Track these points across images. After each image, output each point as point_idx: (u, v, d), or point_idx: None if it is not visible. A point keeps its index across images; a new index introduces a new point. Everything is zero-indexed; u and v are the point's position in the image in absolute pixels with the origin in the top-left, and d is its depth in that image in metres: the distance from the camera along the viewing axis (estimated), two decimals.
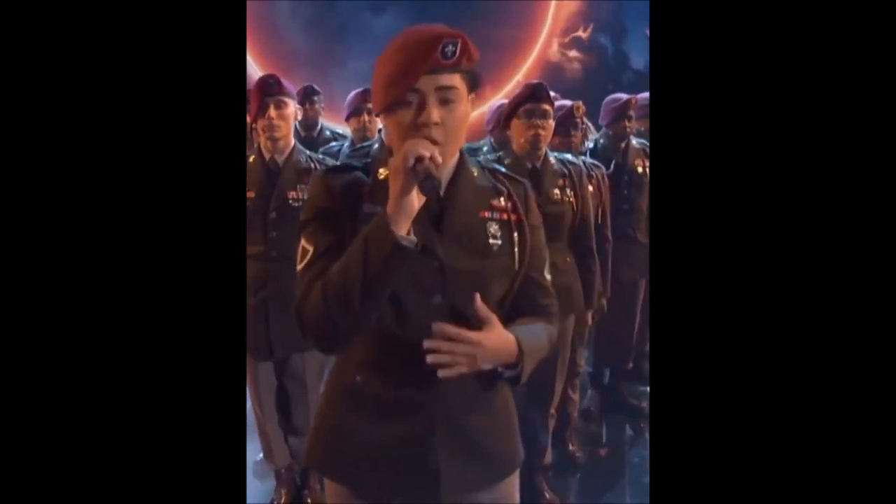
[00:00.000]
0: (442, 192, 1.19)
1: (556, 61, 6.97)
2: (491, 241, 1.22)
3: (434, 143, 1.10)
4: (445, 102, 1.12)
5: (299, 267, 1.19)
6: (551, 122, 2.38)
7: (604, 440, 3.28)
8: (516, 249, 1.23)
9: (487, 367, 1.14)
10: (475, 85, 1.18)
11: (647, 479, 2.84)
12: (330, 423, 1.29)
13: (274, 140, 2.33)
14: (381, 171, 1.20)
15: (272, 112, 2.29)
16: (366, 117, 3.27)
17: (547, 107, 2.34)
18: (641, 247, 3.25)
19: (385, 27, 6.11)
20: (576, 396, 2.98)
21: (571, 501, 2.79)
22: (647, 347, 3.78)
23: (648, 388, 3.61)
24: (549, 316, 1.30)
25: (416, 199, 1.08)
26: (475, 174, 1.24)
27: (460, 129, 1.16)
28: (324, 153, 2.88)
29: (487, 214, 1.23)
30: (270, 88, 2.29)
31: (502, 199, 1.25)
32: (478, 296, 1.14)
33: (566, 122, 2.79)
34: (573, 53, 7.02)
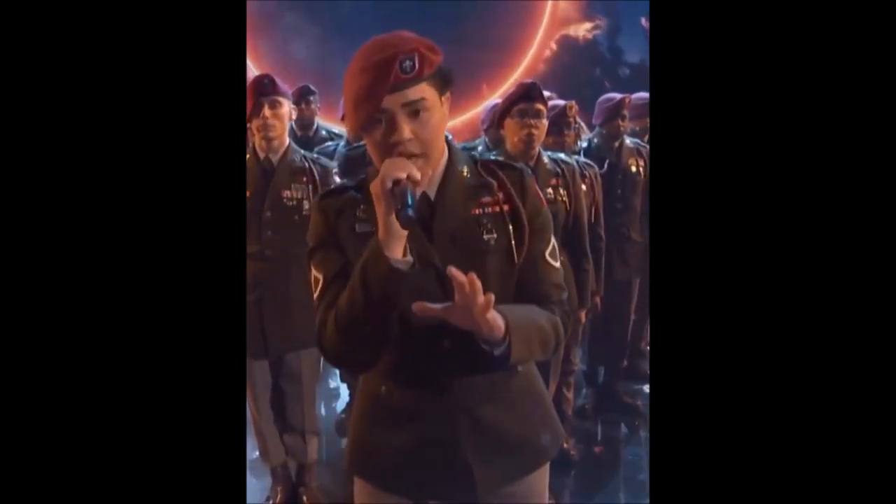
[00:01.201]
0: (433, 197, 1.20)
1: (552, 59, 6.98)
2: (486, 236, 1.21)
3: (413, 155, 1.11)
4: (415, 115, 1.12)
5: (315, 296, 1.22)
6: (545, 122, 2.39)
7: (599, 438, 3.29)
8: (513, 242, 1.23)
9: (463, 323, 1.08)
10: (446, 84, 1.17)
11: (642, 477, 2.85)
12: (362, 433, 1.34)
13: (269, 140, 2.34)
14: (372, 188, 1.19)
15: (267, 112, 2.30)
16: None
17: (540, 106, 2.36)
18: (635, 245, 3.28)
19: (382, 27, 6.11)
20: (570, 395, 3.00)
21: (566, 498, 2.80)
22: (642, 345, 3.80)
23: (643, 387, 3.63)
24: (551, 304, 1.26)
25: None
26: (465, 173, 1.24)
27: (437, 137, 1.16)
28: (319, 152, 2.89)
29: (479, 211, 1.23)
30: (265, 88, 2.30)
31: (493, 192, 1.24)
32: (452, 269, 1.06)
33: (559, 121, 2.81)
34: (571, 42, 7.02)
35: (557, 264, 1.28)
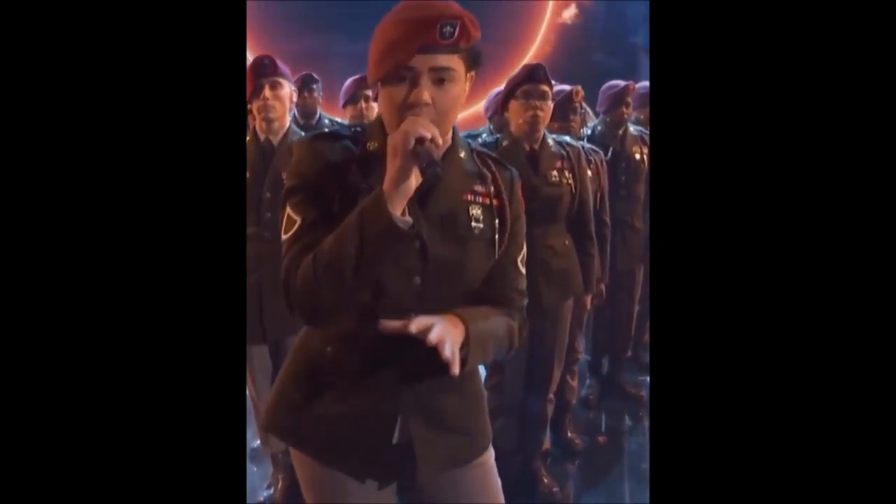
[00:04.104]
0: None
1: (555, 51, 6.95)
2: (473, 224, 1.20)
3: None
4: (440, 83, 1.10)
5: (285, 237, 1.17)
6: (550, 104, 2.36)
7: (602, 428, 3.27)
8: (497, 236, 1.22)
9: (439, 343, 1.08)
10: (475, 63, 1.16)
11: (644, 466, 2.84)
12: (294, 392, 1.28)
13: (269, 121, 2.31)
14: (370, 143, 1.18)
15: (267, 93, 2.28)
16: (363, 104, 3.26)
17: (545, 88, 2.33)
18: (638, 234, 3.25)
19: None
20: (574, 383, 2.97)
21: (570, 487, 2.78)
22: (646, 337, 3.78)
23: (646, 377, 3.60)
24: (512, 310, 1.27)
25: (414, 180, 1.06)
26: (463, 157, 1.23)
27: (453, 110, 1.15)
28: None
29: (470, 198, 1.22)
30: (265, 69, 2.28)
31: (486, 184, 1.23)
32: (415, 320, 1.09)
33: (565, 106, 2.78)
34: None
35: (524, 270, 1.30)
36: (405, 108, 1.10)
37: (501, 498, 1.35)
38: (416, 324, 1.07)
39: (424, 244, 1.16)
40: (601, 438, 3.16)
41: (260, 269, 2.30)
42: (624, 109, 3.20)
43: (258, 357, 2.44)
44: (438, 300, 1.17)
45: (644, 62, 6.22)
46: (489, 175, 1.24)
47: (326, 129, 1.25)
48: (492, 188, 1.23)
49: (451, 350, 1.08)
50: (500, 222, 1.23)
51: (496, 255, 1.23)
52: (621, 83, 3.24)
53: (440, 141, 1.06)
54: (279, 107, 2.31)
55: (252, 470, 2.81)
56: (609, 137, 3.21)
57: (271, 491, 2.58)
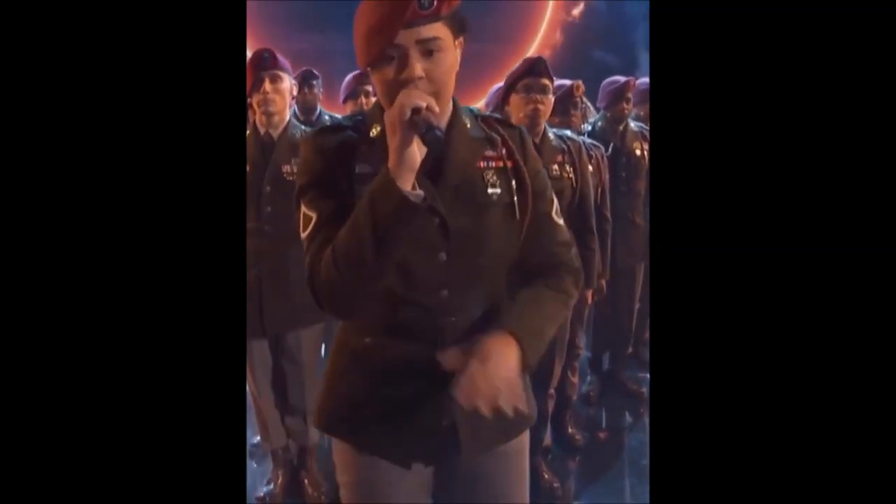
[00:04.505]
0: None
1: (558, 47, 6.92)
2: (489, 190, 1.19)
3: None
4: (429, 54, 1.09)
5: (304, 235, 1.17)
6: (551, 98, 2.35)
7: (603, 425, 3.27)
8: (515, 198, 1.20)
9: (506, 398, 1.09)
10: (461, 28, 1.14)
11: (645, 462, 2.83)
12: (339, 387, 1.28)
13: (269, 114, 2.30)
14: (373, 129, 1.18)
15: (267, 86, 2.26)
16: (363, 100, 3.25)
17: (546, 82, 2.31)
18: (639, 230, 3.24)
19: None
20: (575, 379, 2.96)
21: (571, 483, 2.77)
22: (646, 333, 3.77)
23: (647, 374, 3.59)
24: (559, 268, 1.25)
25: (418, 152, 1.05)
26: (468, 125, 1.22)
27: (449, 79, 1.13)
28: None
29: (483, 164, 1.20)
30: (265, 62, 2.26)
31: (497, 147, 1.22)
32: (448, 352, 1.12)
33: (565, 101, 2.77)
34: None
35: (562, 222, 1.27)
36: (399, 86, 1.08)
37: (527, 479, 1.37)
38: (472, 364, 1.08)
39: (443, 218, 1.15)
40: (602, 435, 3.15)
41: (260, 263, 2.30)
42: (624, 105, 3.19)
43: (258, 352, 2.43)
44: (467, 274, 1.17)
45: (644, 59, 6.21)
46: (498, 138, 1.22)
47: (328, 124, 1.25)
48: (503, 150, 1.22)
49: (509, 407, 1.09)
50: (517, 183, 1.21)
51: (518, 216, 1.20)
52: (622, 79, 3.23)
53: (436, 108, 1.05)
54: (279, 100, 2.29)
55: (252, 466, 2.81)
56: (609, 133, 3.20)
57: (271, 487, 2.57)
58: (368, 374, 1.23)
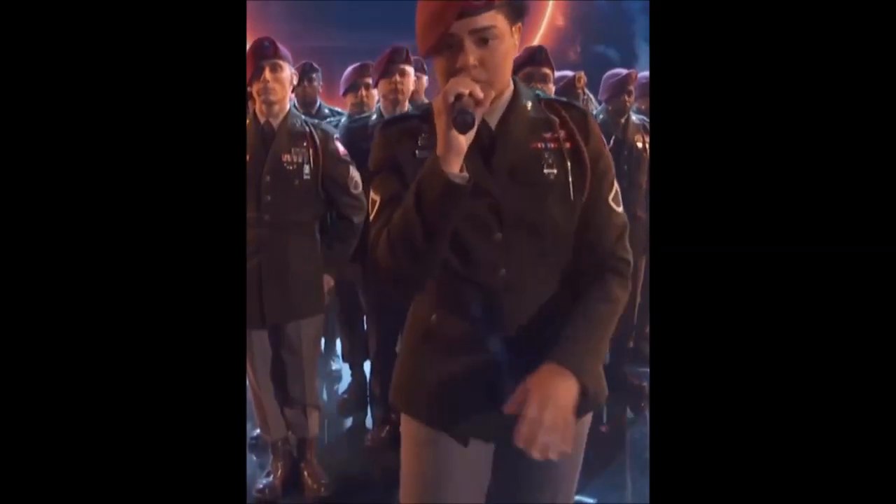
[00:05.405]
0: (494, 127, 1.20)
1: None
2: (546, 170, 1.20)
3: (477, 82, 1.10)
4: (483, 43, 1.12)
5: (371, 217, 1.24)
6: (551, 87, 2.34)
7: (604, 418, 3.25)
8: (570, 179, 1.21)
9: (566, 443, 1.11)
10: (518, 15, 1.17)
11: (647, 456, 2.81)
12: (408, 361, 1.34)
13: (269, 104, 2.29)
14: (434, 105, 1.20)
15: (268, 75, 2.25)
16: (363, 92, 3.23)
17: (547, 70, 2.31)
18: (641, 223, 3.22)
19: (382, 14, 6.05)
20: None
21: None
22: (648, 329, 3.75)
23: (648, 369, 3.58)
24: (609, 271, 1.25)
25: (464, 137, 1.08)
26: (528, 107, 1.23)
27: (504, 65, 1.16)
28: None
29: (540, 145, 1.21)
30: (266, 51, 2.25)
31: (555, 129, 1.23)
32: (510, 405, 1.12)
33: (567, 92, 2.76)
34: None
35: (620, 209, 1.28)
36: (455, 73, 1.12)
37: (578, 469, 1.39)
38: (530, 411, 1.09)
39: (495, 199, 1.18)
40: (603, 428, 3.14)
41: (259, 252, 2.28)
42: (626, 98, 3.17)
43: (258, 343, 2.41)
44: (525, 253, 1.20)
45: (643, 52, 6.20)
46: (557, 120, 1.23)
47: (398, 114, 1.36)
48: (562, 132, 1.22)
49: (556, 454, 1.10)
50: (575, 164, 1.21)
51: (572, 198, 1.21)
52: (623, 71, 3.21)
53: (480, 95, 1.07)
54: (279, 89, 2.28)
55: (252, 459, 2.79)
56: (611, 126, 3.18)
57: (270, 479, 2.55)
58: (435, 350, 1.27)
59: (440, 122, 1.08)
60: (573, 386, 1.14)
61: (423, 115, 1.24)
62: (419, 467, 1.32)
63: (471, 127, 1.07)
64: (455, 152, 1.08)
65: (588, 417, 1.38)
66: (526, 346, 1.21)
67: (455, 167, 1.08)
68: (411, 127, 1.24)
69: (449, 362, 1.25)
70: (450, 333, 1.25)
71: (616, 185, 1.27)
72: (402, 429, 1.35)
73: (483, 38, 1.12)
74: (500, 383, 1.20)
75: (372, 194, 1.24)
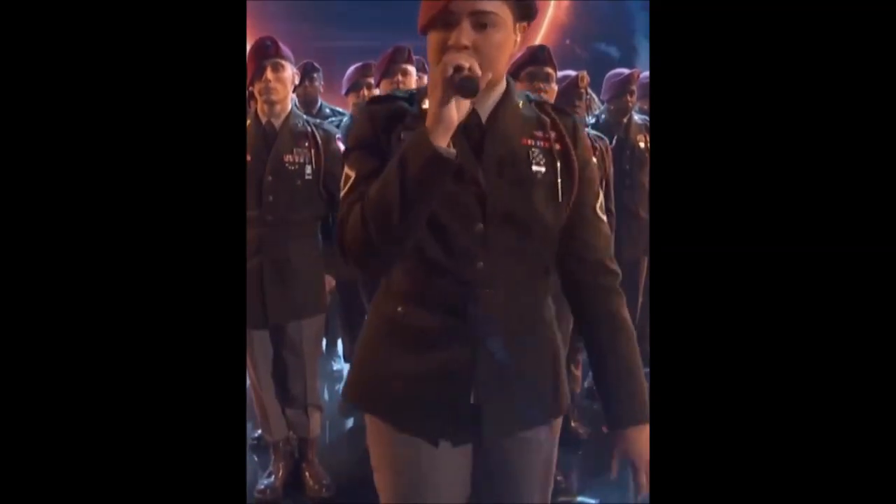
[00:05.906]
0: (484, 120, 1.18)
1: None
2: (534, 167, 1.19)
3: None
4: (481, 27, 1.10)
5: (342, 193, 1.18)
6: (554, 86, 2.34)
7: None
8: (559, 179, 1.20)
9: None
10: (525, 14, 1.15)
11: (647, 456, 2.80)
12: (370, 357, 1.28)
13: (271, 103, 2.29)
14: (424, 102, 1.18)
15: (269, 74, 2.25)
16: (364, 92, 3.23)
17: (549, 70, 2.30)
18: (643, 223, 3.22)
19: (382, 13, 6.05)
20: (578, 373, 2.95)
21: (573, 476, 2.75)
22: (649, 329, 3.74)
23: (649, 370, 3.56)
24: (611, 292, 1.29)
25: (456, 112, 1.05)
26: (520, 105, 1.22)
27: (499, 56, 1.13)
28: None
29: (530, 142, 1.20)
30: (267, 51, 2.25)
31: (546, 129, 1.22)
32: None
33: (570, 92, 2.75)
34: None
35: (605, 218, 1.28)
36: (445, 52, 1.09)
37: (550, 476, 1.38)
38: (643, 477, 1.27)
39: (481, 189, 1.15)
40: (605, 428, 3.13)
41: (262, 253, 2.28)
42: (628, 97, 3.17)
43: (259, 343, 2.41)
44: (505, 247, 1.18)
45: (644, 52, 6.19)
46: (548, 121, 1.23)
47: (385, 93, 1.30)
48: (552, 133, 1.21)
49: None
50: (564, 166, 1.20)
51: (559, 198, 1.20)
52: (626, 71, 3.21)
53: (479, 72, 1.05)
54: (281, 89, 2.28)
55: (253, 459, 2.79)
56: (613, 125, 3.18)
57: (271, 479, 2.55)
58: (400, 344, 1.22)
59: (434, 94, 1.04)
60: (647, 429, 1.23)
61: (410, 99, 1.22)
62: (394, 473, 1.27)
63: (474, 93, 1.04)
64: (445, 126, 1.04)
65: (559, 420, 1.37)
66: (495, 344, 1.19)
67: (443, 141, 1.04)
68: (397, 108, 1.20)
69: (417, 359, 1.20)
70: (418, 326, 1.20)
71: (602, 195, 1.27)
72: (368, 430, 1.30)
73: (482, 22, 1.09)
74: (471, 380, 1.18)
75: (346, 169, 1.18)
